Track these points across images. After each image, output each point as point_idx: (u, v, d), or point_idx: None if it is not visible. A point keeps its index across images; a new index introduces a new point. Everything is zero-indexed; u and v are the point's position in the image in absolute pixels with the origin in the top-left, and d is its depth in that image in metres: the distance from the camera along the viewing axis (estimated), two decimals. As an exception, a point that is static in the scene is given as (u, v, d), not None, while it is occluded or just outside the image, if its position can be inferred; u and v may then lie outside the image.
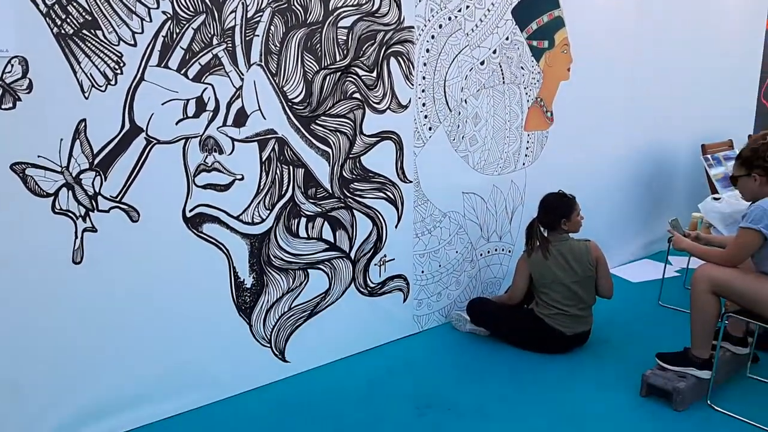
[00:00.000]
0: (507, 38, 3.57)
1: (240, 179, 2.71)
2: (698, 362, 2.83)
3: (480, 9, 3.40)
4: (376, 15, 3.00)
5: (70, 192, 2.31)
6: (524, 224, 3.83)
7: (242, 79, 2.63)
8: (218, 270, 2.73)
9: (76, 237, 2.36)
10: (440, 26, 3.25)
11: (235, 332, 2.84)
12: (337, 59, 2.90)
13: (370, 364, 3.21)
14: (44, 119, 2.21)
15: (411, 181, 3.32)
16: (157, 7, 2.37)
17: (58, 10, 2.17)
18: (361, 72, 2.99)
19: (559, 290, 3.24)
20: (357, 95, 3.00)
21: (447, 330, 3.62)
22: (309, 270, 3.02)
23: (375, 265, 3.27)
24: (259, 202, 2.79)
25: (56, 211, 2.30)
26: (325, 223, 3.03)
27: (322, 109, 2.90)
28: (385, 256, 3.30)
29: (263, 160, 2.76)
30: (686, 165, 5.15)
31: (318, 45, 2.82)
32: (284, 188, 2.86)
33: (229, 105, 2.62)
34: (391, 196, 3.25)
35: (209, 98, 2.56)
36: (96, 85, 2.30)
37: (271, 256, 2.88)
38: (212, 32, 2.51)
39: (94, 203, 2.37)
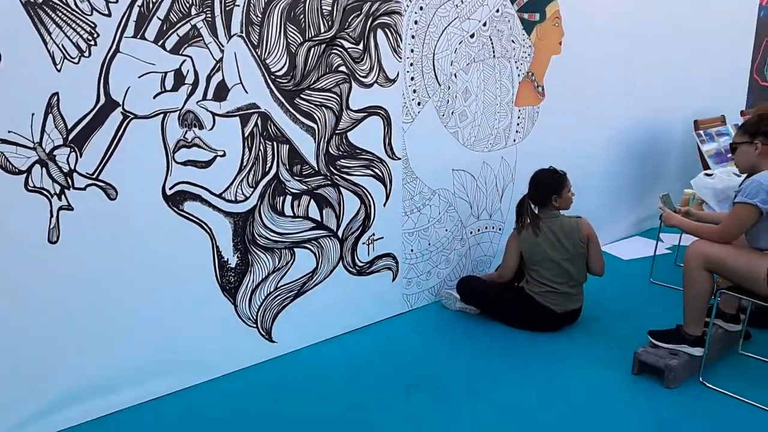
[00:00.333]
0: (497, 10, 3.47)
1: (222, 155, 2.63)
2: (690, 339, 2.80)
3: (469, -20, 3.31)
4: (362, -15, 2.90)
5: (44, 169, 2.23)
6: (515, 202, 3.77)
7: (222, 51, 2.54)
8: (201, 249, 2.66)
9: (52, 215, 2.27)
10: (429, -3, 3.16)
11: (219, 313, 2.77)
12: (322, 31, 2.80)
13: (358, 343, 3.16)
14: (14, 93, 2.12)
15: (399, 158, 3.24)
16: (132, -25, 2.27)
17: (26, -24, 2.07)
18: (346, 44, 2.90)
19: (550, 268, 3.19)
20: (343, 68, 2.91)
21: (437, 309, 3.57)
22: (295, 249, 2.95)
23: (363, 243, 3.20)
24: (242, 180, 2.71)
25: (30, 188, 2.21)
26: (312, 201, 2.96)
27: (307, 82, 2.81)
28: (373, 234, 3.23)
29: (246, 135, 2.68)
30: (678, 141, 5.10)
31: (302, 15, 2.72)
32: (268, 165, 2.78)
33: (208, 78, 2.52)
34: (379, 174, 3.18)
35: (188, 71, 2.47)
36: (68, 57, 2.20)
37: (256, 235, 2.81)
38: (191, 2, 2.41)
39: (69, 180, 2.28)
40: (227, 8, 2.50)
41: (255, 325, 2.90)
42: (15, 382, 2.30)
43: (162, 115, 2.43)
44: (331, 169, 2.99)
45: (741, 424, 2.50)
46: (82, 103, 2.26)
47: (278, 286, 2.94)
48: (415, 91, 3.21)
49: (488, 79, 3.53)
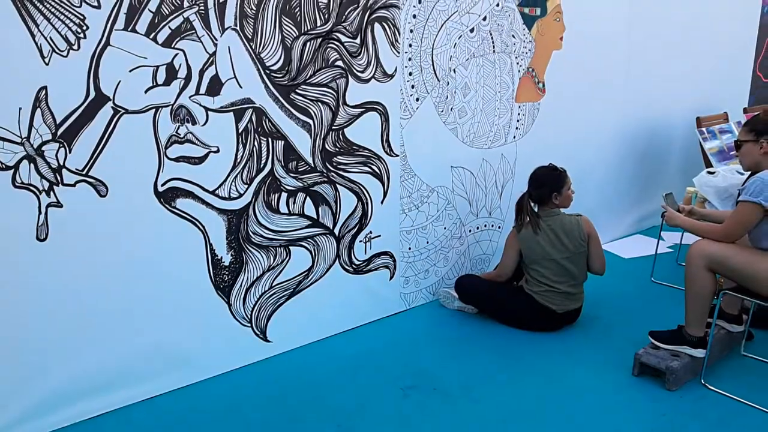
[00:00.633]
0: (498, 4, 3.41)
1: (215, 151, 2.57)
2: (693, 340, 2.75)
3: (469, -27, 3.25)
4: (360, -22, 2.84)
5: (32, 165, 2.17)
6: (514, 199, 3.72)
7: (216, 45, 2.48)
8: (194, 247, 2.61)
9: (40, 212, 2.22)
10: (427, -9, 3.10)
11: (213, 312, 2.72)
12: (318, 24, 2.74)
13: (354, 343, 3.11)
14: (0, 87, 2.06)
15: (397, 155, 3.18)
16: (122, -34, 2.21)
17: (12, -34, 2.01)
18: (343, 38, 2.84)
19: (550, 267, 3.14)
20: (339, 63, 2.86)
21: (434, 308, 3.52)
22: (291, 247, 2.90)
23: (360, 241, 3.15)
24: (236, 176, 2.66)
25: (17, 184, 2.16)
26: (307, 198, 2.90)
27: (303, 77, 2.76)
28: (370, 232, 3.18)
29: (240, 131, 2.62)
30: (680, 138, 5.04)
31: (297, 8, 2.66)
32: (263, 161, 2.72)
33: (201, 72, 2.47)
34: (377, 171, 3.12)
35: (180, 65, 2.41)
36: (57, 50, 2.14)
37: (250, 233, 2.76)
38: (183, -6, 2.36)
39: (58, 177, 2.23)
40: (221, 0, 2.44)
41: (249, 325, 2.85)
42: (3, 382, 2.25)
43: (154, 110, 2.38)
44: (328, 165, 2.93)
45: (743, 428, 2.46)
46: (71, 98, 2.20)
47: (273, 284, 2.89)
48: (413, 86, 3.15)
49: (488, 74, 3.48)
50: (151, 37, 2.32)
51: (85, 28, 2.18)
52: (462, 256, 3.66)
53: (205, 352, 2.73)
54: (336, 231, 3.04)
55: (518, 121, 3.72)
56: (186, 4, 2.36)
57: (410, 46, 3.09)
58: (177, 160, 2.48)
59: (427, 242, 3.45)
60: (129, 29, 2.26)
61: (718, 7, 5.00)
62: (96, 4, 2.19)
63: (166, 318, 2.59)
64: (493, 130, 3.59)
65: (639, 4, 4.25)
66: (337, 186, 2.99)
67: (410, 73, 3.12)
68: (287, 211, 2.86)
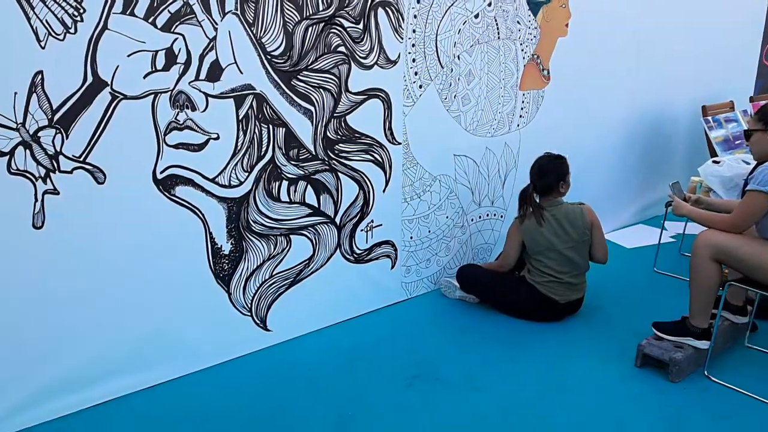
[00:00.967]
0: (503, -10, 3.36)
1: (215, 138, 2.53)
2: (697, 332, 2.72)
3: (474, -43, 3.19)
4: (363, -39, 2.79)
5: (28, 151, 2.13)
6: (517, 188, 3.68)
7: (216, 30, 2.43)
8: (193, 236, 2.57)
9: (36, 200, 2.18)
10: (432, -25, 3.04)
11: (213, 301, 2.69)
12: (320, 9, 2.69)
13: (355, 333, 3.08)
14: (-5, 71, 2.01)
15: (400, 143, 3.14)
16: (120, -53, 2.16)
17: (6, -53, 1.96)
18: (346, 23, 2.79)
19: (554, 257, 3.11)
20: (342, 49, 2.80)
21: (436, 297, 3.50)
22: (291, 236, 2.87)
23: (361, 230, 3.11)
24: (236, 164, 2.62)
25: (12, 171, 2.11)
26: (309, 186, 2.86)
27: (304, 63, 2.71)
28: (372, 221, 3.14)
29: (240, 118, 2.58)
30: (685, 127, 4.99)
31: (299, -7, 2.61)
32: (263, 149, 2.68)
33: (201, 57, 2.42)
34: (379, 159, 3.08)
35: (180, 50, 2.36)
36: (53, 34, 2.09)
37: (251, 221, 2.72)
38: (182, -24, 2.31)
39: (55, 163, 2.19)
40: (221, -16, 2.40)
41: (249, 314, 2.83)
42: (1, 371, 2.22)
43: (153, 96, 2.33)
44: (329, 153, 2.89)
45: (747, 420, 2.44)
46: (68, 83, 2.16)
47: (273, 273, 2.85)
48: (416, 73, 3.10)
49: (492, 61, 3.42)
50: (150, 20, 2.27)
51: (81, 11, 2.13)
52: (464, 245, 3.63)
53: (205, 342, 2.70)
54: (337, 220, 3.01)
55: (522, 109, 3.67)
56: (185, -13, 2.31)
57: (414, 31, 3.03)
58: (176, 147, 2.43)
59: (429, 231, 3.41)
60: (127, 12, 2.21)
61: (725, -6, 4.94)
62: (93, -14, 2.14)
63: (166, 307, 2.56)
64: (496, 118, 3.55)
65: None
66: (339, 174, 2.95)
67: (414, 60, 3.07)
68: (288, 200, 2.82)
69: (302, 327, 3.01)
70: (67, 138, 2.19)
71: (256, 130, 2.64)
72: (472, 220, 3.62)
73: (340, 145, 2.92)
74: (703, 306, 2.69)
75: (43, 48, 2.08)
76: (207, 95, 2.47)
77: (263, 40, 2.56)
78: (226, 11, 2.43)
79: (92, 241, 2.31)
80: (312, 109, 2.78)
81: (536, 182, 3.14)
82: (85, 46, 2.16)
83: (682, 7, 4.54)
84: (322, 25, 2.72)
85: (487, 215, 3.71)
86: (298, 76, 2.70)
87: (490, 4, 3.31)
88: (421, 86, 3.14)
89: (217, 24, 2.42)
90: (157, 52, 2.31)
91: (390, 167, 3.13)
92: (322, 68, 2.77)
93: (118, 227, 2.36)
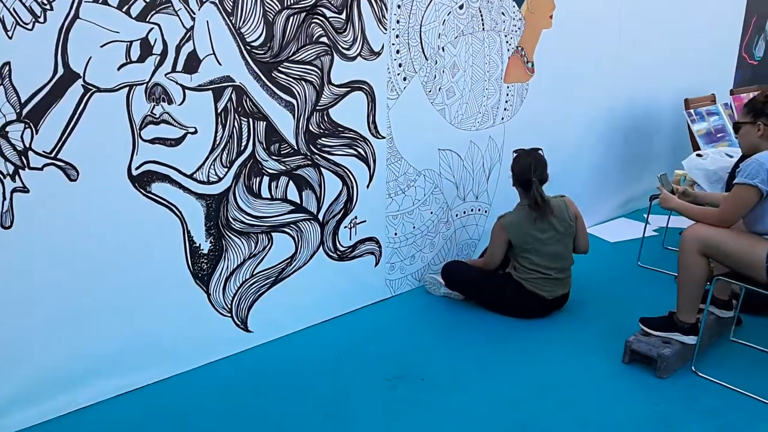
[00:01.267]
0: (487, -20, 3.30)
1: (193, 133, 2.43)
2: (684, 327, 2.70)
3: (459, -53, 3.12)
4: (345, -51, 2.70)
5: (-5, 147, 2.02)
6: (502, 182, 3.67)
7: (193, 19, 2.33)
8: (170, 234, 2.48)
9: (5, 198, 2.07)
10: (415, -35, 2.96)
11: (191, 302, 2.60)
12: (302, -2, 2.61)
13: (338, 332, 3.01)
14: (-42, 61, 1.90)
15: (384, 137, 3.07)
16: (90, -69, 2.05)
17: (-32, -70, 1.84)
18: (328, 13, 2.70)
19: (542, 253, 3.06)
20: (324, 39, 2.72)
21: (420, 294, 3.44)
22: (273, 233, 2.78)
23: (345, 227, 3.04)
24: (215, 159, 2.52)
25: (-22, 168, 2.00)
26: (290, 182, 2.78)
27: (285, 54, 2.62)
28: (355, 217, 3.07)
29: (219, 111, 2.48)
30: (667, 120, 5.00)
31: (280, -19, 2.52)
32: (243, 143, 2.59)
33: (178, 48, 2.32)
34: (363, 153, 3.01)
35: (156, 40, 2.26)
36: (21, 23, 1.98)
37: (230, 219, 2.63)
38: (157, -37, 2.20)
39: (24, 160, 2.08)
40: (198, -29, 2.30)
41: (229, 315, 2.74)
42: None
43: (127, 89, 2.23)
44: (312, 148, 2.81)
45: (735, 416, 2.42)
46: (37, 74, 2.05)
47: (254, 272, 2.77)
48: (400, 65, 3.03)
49: (477, 53, 3.36)
50: (124, 10, 2.16)
51: (50, -1, 2.02)
52: (448, 241, 3.57)
53: (185, 344, 2.61)
54: (320, 216, 2.93)
55: (507, 102, 3.62)
56: (161, -26, 2.21)
57: (398, 22, 2.96)
58: (152, 141, 2.34)
59: (414, 227, 3.35)
60: (100, 1, 2.11)
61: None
62: (62, -28, 2.02)
63: (142, 309, 2.46)
64: (481, 111, 3.49)
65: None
66: (322, 169, 2.87)
67: (398, 51, 3.00)
68: (269, 196, 2.73)
69: (284, 327, 2.93)
70: (36, 133, 2.08)
71: (236, 124, 2.55)
72: (456, 215, 3.57)
73: (323, 139, 2.84)
74: (691, 301, 2.67)
75: (11, 38, 1.97)
76: (184, 88, 2.37)
77: (242, 31, 2.47)
78: (204, 0, 2.33)
79: (64, 241, 2.21)
80: (294, 102, 2.70)
81: (539, 176, 3.03)
82: (55, 36, 2.05)
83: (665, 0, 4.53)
84: (303, 14, 2.63)
85: (472, 210, 3.66)
86: (279, 68, 2.62)
87: (474, -5, 3.25)
88: (405, 78, 3.07)
89: (194, 13, 2.32)
90: (131, 42, 2.20)
91: (374, 162, 3.05)
92: (304, 59, 2.68)
93: (92, 226, 2.26)
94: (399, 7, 2.94)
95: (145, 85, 2.27)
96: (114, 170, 2.27)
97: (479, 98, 3.45)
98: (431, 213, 3.41)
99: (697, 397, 2.55)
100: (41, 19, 2.02)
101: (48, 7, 2.02)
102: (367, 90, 2.93)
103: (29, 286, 2.17)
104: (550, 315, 3.20)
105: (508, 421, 2.38)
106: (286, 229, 2.82)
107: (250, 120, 2.58)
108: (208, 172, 2.52)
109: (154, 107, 2.31)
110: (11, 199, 2.08)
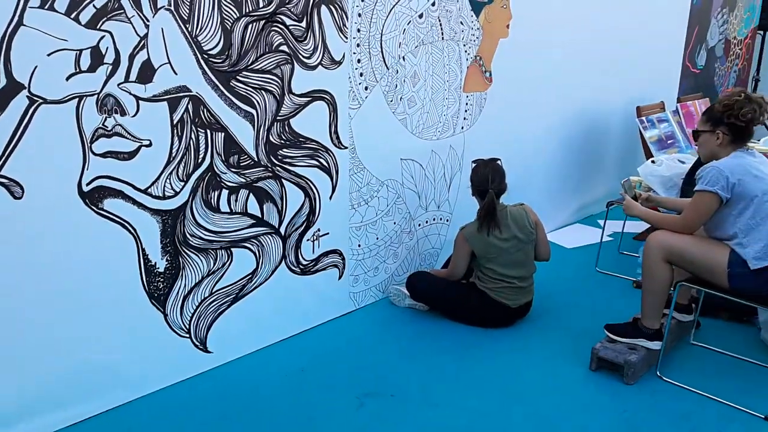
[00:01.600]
0: (446, -11, 3.28)
1: (147, 145, 2.31)
2: (649, 333, 2.73)
3: (417, -45, 3.09)
4: (304, -44, 2.63)
5: (-71, 163, 1.86)
6: (462, 192, 3.65)
7: (147, 27, 2.21)
8: (124, 253, 2.34)
9: (-59, 219, 1.91)
10: (375, -28, 2.92)
11: (147, 323, 2.46)
12: (261, 5, 2.51)
13: (303, 349, 2.92)
14: None
15: (346, 147, 3.00)
16: (35, -68, 1.92)
17: None
18: (288, 21, 2.62)
19: (505, 262, 3.05)
20: (284, 48, 2.64)
21: (384, 306, 3.38)
22: (233, 249, 2.67)
23: (308, 240, 2.95)
24: (171, 173, 2.40)
25: None
26: (251, 195, 2.68)
27: (244, 63, 2.53)
28: (318, 230, 2.99)
29: (175, 122, 2.37)
30: (617, 128, 5.10)
31: (238, -12, 2.43)
32: (201, 156, 2.48)
33: (131, 57, 2.20)
34: (325, 164, 2.93)
35: (107, 48, 2.13)
36: (-43, 29, 1.84)
37: (188, 235, 2.51)
38: (108, -33, 2.08)
39: (-38, 177, 1.92)
40: (152, -24, 2.18)
41: (188, 335, 2.61)
42: None
43: (77, 100, 2.09)
44: (273, 159, 2.71)
45: (702, 420, 2.45)
46: (-24, 85, 1.90)
47: (214, 290, 2.65)
48: (362, 74, 2.97)
49: (437, 62, 3.34)
50: (73, 16, 2.03)
51: (-9, 3, 1.88)
52: (411, 251, 3.53)
53: (139, 368, 2.47)
54: (282, 230, 2.83)
55: (466, 111, 3.61)
56: (112, -21, 2.09)
57: (359, 31, 2.90)
58: (104, 155, 2.20)
59: (377, 238, 3.29)
60: (46, 7, 1.97)
61: (652, -2, 5.08)
62: (4, -25, 1.89)
63: (95, 333, 2.31)
64: (441, 121, 3.47)
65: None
66: (283, 181, 2.78)
67: (359, 60, 2.94)
68: (228, 210, 2.62)
69: (246, 346, 2.82)
70: (-24, 148, 1.93)
71: (193, 136, 2.44)
72: (419, 225, 3.53)
73: (284, 150, 2.75)
74: (656, 307, 2.69)
75: (-55, 45, 1.82)
76: (138, 98, 2.25)
77: (199, 39, 2.36)
78: (158, 7, 2.22)
79: (8, 263, 2.05)
80: (253, 112, 2.60)
81: (497, 187, 3.02)
82: (-4, 43, 1.91)
83: (613, 10, 4.62)
84: (262, 22, 2.54)
85: (434, 220, 3.62)
86: (238, 77, 2.52)
87: (434, 4, 3.22)
88: (366, 88, 3.01)
89: (148, 21, 2.21)
90: (81, 51, 2.07)
91: (336, 173, 2.98)
92: (264, 68, 2.59)
93: (39, 246, 2.11)
94: (359, 15, 2.89)
95: (96, 96, 2.14)
96: (63, 186, 2.13)
97: (440, 108, 3.43)
98: (394, 223, 3.36)
99: (663, 402, 2.57)
100: (-20, 26, 1.87)
101: (-12, 12, 1.88)
102: (328, 100, 2.86)
103: (-30, 313, 2.01)
104: (515, 324, 3.19)
105: (481, 435, 2.35)
106: (246, 244, 2.72)
107: (208, 131, 2.48)
108: (164, 186, 2.40)
109: (105, 119, 2.18)
110: (-51, 219, 1.92)
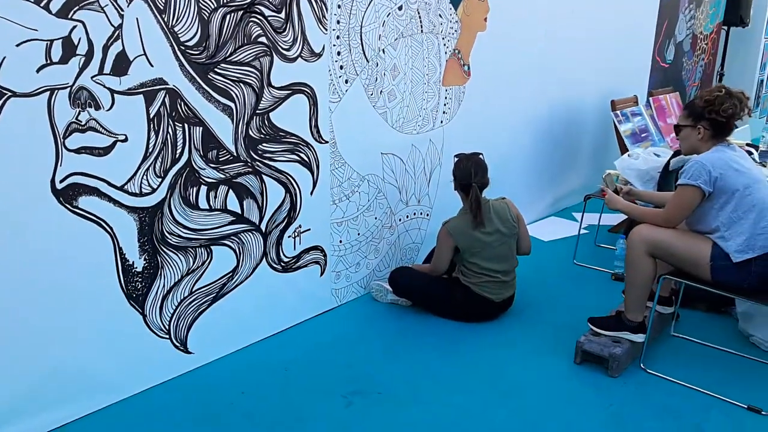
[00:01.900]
0: (425, -19, 3.24)
1: (123, 140, 2.22)
2: (633, 326, 2.74)
3: (397, -54, 3.04)
4: (283, -55, 2.56)
5: None
6: (442, 186, 3.63)
7: (122, 17, 2.12)
8: (100, 252, 2.25)
9: None
10: (355, -37, 2.86)
11: (125, 325, 2.38)
12: (239, -4, 2.44)
13: (286, 347, 2.86)
14: None
15: (327, 141, 2.94)
16: None
17: None
18: (267, 12, 2.55)
19: (489, 256, 3.03)
20: (263, 39, 2.56)
21: (367, 302, 3.33)
22: (212, 247, 2.60)
23: (289, 237, 2.89)
24: (147, 169, 2.32)
25: None
26: (230, 191, 2.60)
27: (222, 54, 2.45)
28: (299, 226, 2.92)
29: (151, 116, 2.28)
30: (591, 121, 5.13)
31: (216, -23, 2.35)
32: (178, 151, 2.40)
33: (105, 48, 2.10)
34: (306, 159, 2.87)
35: (80, 39, 2.04)
36: None
37: (166, 233, 2.43)
38: (80, -47, 1.98)
39: (-74, 175, 1.82)
40: (126, -36, 2.09)
41: (167, 336, 2.53)
42: None
43: (48, 93, 2.00)
44: (252, 154, 2.64)
45: (686, 411, 2.47)
46: (-60, 77, 1.80)
47: (194, 290, 2.57)
48: (342, 67, 2.91)
49: (416, 55, 3.29)
50: (43, 4, 1.93)
51: (-45, -10, 1.77)
52: (392, 246, 3.49)
53: (118, 371, 2.38)
54: (263, 227, 2.76)
55: (445, 105, 3.58)
56: (84, -35, 1.99)
57: (338, 22, 2.84)
58: (78, 151, 2.11)
59: (358, 234, 3.24)
60: (13, -6, 1.87)
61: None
62: (-32, -39, 1.78)
63: (71, 335, 2.22)
64: (421, 115, 3.43)
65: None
66: (263, 177, 2.71)
67: (338, 53, 2.88)
68: (208, 207, 2.55)
69: (227, 346, 2.75)
70: (-59, 144, 1.82)
71: (170, 130, 2.35)
72: (400, 219, 3.49)
73: (264, 144, 2.68)
74: (639, 300, 2.71)
75: None
76: (112, 91, 2.16)
77: (176, 29, 2.28)
78: (133, -5, 2.13)
79: (-23, 266, 1.95)
80: (232, 105, 2.52)
81: (480, 181, 3.00)
82: (-39, 33, 1.80)
83: (588, 4, 4.64)
84: (240, 13, 2.46)
85: (414, 214, 3.59)
86: (216, 69, 2.44)
87: (413, -4, 3.18)
88: (347, 81, 2.95)
89: (122, 10, 2.12)
90: (52, 41, 1.97)
91: (317, 168, 2.92)
92: (242, 60, 2.52)
93: (11, 247, 2.01)
94: (339, 7, 2.82)
95: (68, 88, 2.04)
96: (35, 184, 2.03)
97: (419, 101, 3.39)
98: (375, 218, 3.31)
99: (648, 394, 2.58)
100: (-56, 14, 1.77)
101: (-48, 0, 1.77)
102: (308, 93, 2.79)
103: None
104: (498, 318, 3.17)
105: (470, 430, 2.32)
106: (226, 242, 2.64)
107: (186, 125, 2.39)
108: (141, 182, 2.31)
109: (79, 113, 2.08)
110: None
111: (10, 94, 1.91)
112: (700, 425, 2.39)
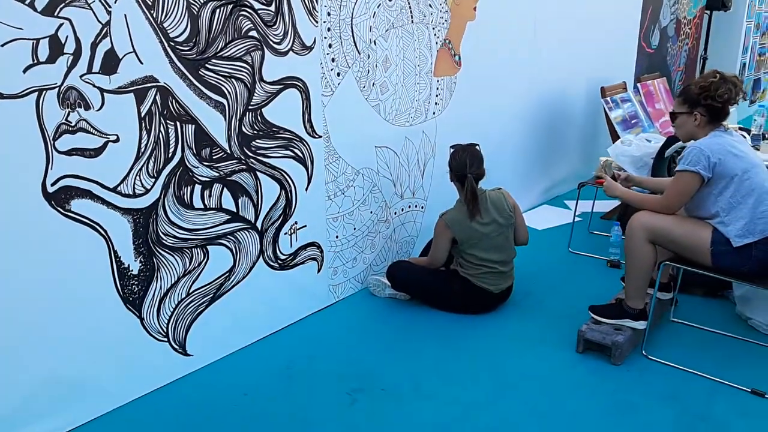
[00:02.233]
0: (414, -30, 3.19)
1: (114, 141, 2.16)
2: (634, 313, 2.73)
3: (385, -65, 2.99)
4: (272, -64, 2.50)
5: None
6: (437, 177, 3.60)
7: (109, 13, 2.06)
8: (95, 256, 2.20)
9: None
10: (344, -47, 2.80)
11: (122, 329, 2.33)
12: (229, -11, 2.38)
13: (286, 346, 2.82)
14: None
15: (320, 136, 2.89)
16: None
17: None
18: (257, 5, 2.49)
19: (487, 247, 3.01)
20: (254, 33, 2.51)
21: (364, 297, 3.30)
22: (209, 247, 2.55)
23: (285, 234, 2.84)
24: (140, 169, 2.26)
25: None
26: (225, 189, 2.56)
27: (213, 50, 2.39)
28: (295, 223, 2.88)
29: (142, 115, 2.22)
30: (581, 109, 5.13)
31: (204, -30, 2.29)
32: (171, 150, 2.34)
33: (94, 46, 2.05)
34: (300, 154, 2.82)
35: (67, 37, 1.98)
36: None
37: (161, 234, 2.38)
38: (64, -52, 1.92)
39: None
40: (112, -42, 2.03)
41: (166, 339, 2.48)
42: None
43: (36, 94, 1.94)
44: (246, 151, 2.59)
45: (689, 396, 2.47)
46: (-77, 80, 1.73)
47: (191, 291, 2.52)
48: (333, 59, 2.86)
49: (407, 46, 3.25)
50: (28, 2, 1.87)
51: (-65, -11, 1.70)
52: (388, 240, 3.45)
53: (116, 376, 2.33)
54: (258, 224, 2.72)
55: (437, 96, 3.54)
56: (69, -39, 1.93)
57: (329, 14, 2.79)
58: (69, 153, 2.05)
59: (355, 228, 3.20)
60: (-4, -8, 1.81)
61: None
62: (-51, -42, 1.71)
63: (67, 342, 2.16)
64: (414, 107, 3.39)
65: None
66: (258, 174, 2.66)
67: (330, 45, 2.83)
68: (202, 206, 2.50)
69: (226, 347, 2.71)
70: (-74, 149, 1.76)
71: (162, 129, 2.30)
72: (395, 213, 3.46)
73: (258, 141, 2.63)
74: (640, 287, 2.70)
75: None
76: (102, 91, 2.10)
77: (165, 25, 2.22)
78: (120, -9, 2.07)
79: (-31, 274, 1.89)
80: (224, 101, 2.47)
81: (475, 172, 2.97)
82: (-57, 33, 1.74)
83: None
84: (230, 6, 2.41)
85: (409, 207, 3.56)
86: (207, 65, 2.39)
87: (403, -14, 3.14)
88: (339, 74, 2.91)
89: (110, 7, 2.06)
90: (38, 40, 1.91)
91: (312, 163, 2.88)
92: (233, 55, 2.46)
93: (2, 254, 1.95)
94: (330, -2, 2.78)
95: (57, 89, 1.98)
96: (26, 188, 1.97)
97: (411, 93, 3.35)
98: (371, 213, 3.28)
99: (652, 380, 2.58)
100: (-76, 14, 1.70)
101: (-68, -1, 1.70)
102: (300, 87, 2.74)
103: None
104: (497, 309, 3.16)
105: (477, 426, 2.30)
106: (222, 241, 2.59)
107: (178, 123, 2.34)
108: (134, 183, 2.25)
109: (69, 114, 2.02)
110: None
111: (-4, 95, 1.85)
112: (706, 410, 2.39)
